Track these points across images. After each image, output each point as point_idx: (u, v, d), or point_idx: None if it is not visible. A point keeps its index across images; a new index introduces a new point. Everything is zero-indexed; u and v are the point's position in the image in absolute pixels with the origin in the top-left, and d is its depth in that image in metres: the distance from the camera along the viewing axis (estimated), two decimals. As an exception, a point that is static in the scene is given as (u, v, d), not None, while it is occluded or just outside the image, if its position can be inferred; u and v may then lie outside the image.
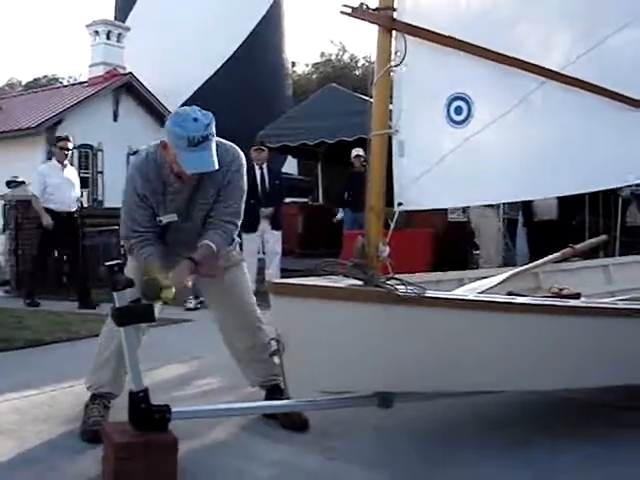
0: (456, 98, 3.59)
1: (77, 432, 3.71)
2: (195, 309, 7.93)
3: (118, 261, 3.11)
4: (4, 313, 7.89)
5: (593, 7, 3.82)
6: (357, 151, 10.98)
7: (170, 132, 3.41)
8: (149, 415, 3.10)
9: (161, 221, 3.70)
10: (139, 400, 3.10)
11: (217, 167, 3.44)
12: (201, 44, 24.59)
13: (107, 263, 3.07)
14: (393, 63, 3.39)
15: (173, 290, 3.37)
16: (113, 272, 3.05)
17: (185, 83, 23.60)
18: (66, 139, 9.37)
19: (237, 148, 3.77)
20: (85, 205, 15.71)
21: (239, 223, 3.76)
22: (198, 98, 21.07)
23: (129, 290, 3.11)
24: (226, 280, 3.99)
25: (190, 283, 3.52)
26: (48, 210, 8.93)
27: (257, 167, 9.32)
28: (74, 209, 9.25)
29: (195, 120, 3.37)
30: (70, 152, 9.55)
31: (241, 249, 4.22)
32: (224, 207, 3.69)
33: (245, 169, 3.76)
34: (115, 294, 3.07)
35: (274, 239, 9.29)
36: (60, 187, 9.08)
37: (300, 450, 3.59)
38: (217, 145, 3.55)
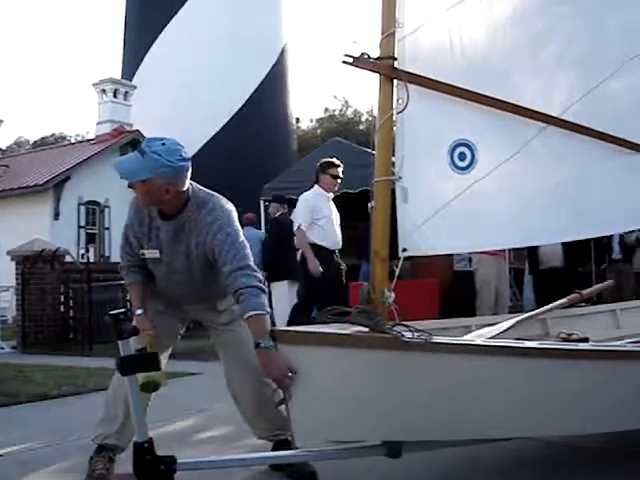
0: (460, 144, 3.61)
1: (82, 486, 3.66)
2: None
3: (123, 310, 3.10)
4: (10, 368, 7.88)
5: (590, 53, 3.88)
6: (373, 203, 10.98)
7: None
8: (154, 466, 3.06)
9: (143, 254, 3.73)
10: (144, 451, 3.06)
11: (120, 171, 3.49)
12: (207, 101, 24.96)
13: (112, 312, 3.07)
14: (395, 111, 3.42)
15: (155, 374, 3.32)
16: (118, 320, 3.05)
17: (191, 139, 23.72)
18: (338, 165, 7.70)
19: (224, 206, 3.65)
20: (92, 260, 15.82)
21: (250, 262, 3.50)
22: (205, 154, 21.36)
23: (134, 339, 3.10)
24: (230, 336, 3.95)
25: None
26: (319, 247, 7.43)
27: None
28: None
29: (163, 144, 3.46)
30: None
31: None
32: (223, 264, 3.50)
33: (232, 225, 3.59)
34: (120, 343, 3.06)
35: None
36: (331, 221, 7.60)
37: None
38: (201, 204, 3.57)
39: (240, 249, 3.50)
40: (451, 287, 10.17)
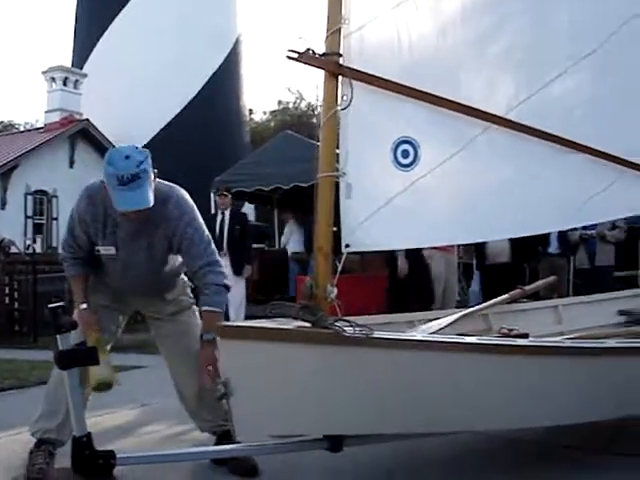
0: (403, 142, 3.63)
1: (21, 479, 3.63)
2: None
3: (62, 303, 3.07)
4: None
5: (536, 52, 3.94)
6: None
7: (104, 171, 3.40)
8: (93, 461, 3.04)
9: (98, 251, 3.70)
10: (82, 445, 3.04)
11: (150, 204, 3.39)
12: (158, 91, 24.73)
13: (51, 305, 3.03)
14: (339, 107, 3.43)
15: (107, 374, 3.41)
16: (57, 314, 3.01)
17: (142, 129, 23.55)
18: None
19: (187, 199, 3.72)
20: (39, 251, 15.58)
21: (217, 257, 3.71)
22: (155, 144, 21.05)
23: (73, 332, 3.07)
24: (176, 326, 3.97)
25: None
26: None
27: (219, 212, 9.41)
28: None
29: (127, 157, 3.34)
30: None
31: (194, 292, 4.18)
32: (191, 257, 3.67)
33: (198, 219, 3.71)
34: (58, 336, 3.02)
35: (237, 285, 9.22)
36: None
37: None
38: (166, 198, 3.57)
39: (208, 243, 3.68)
40: (399, 282, 10.20)
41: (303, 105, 41.55)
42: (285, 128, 22.11)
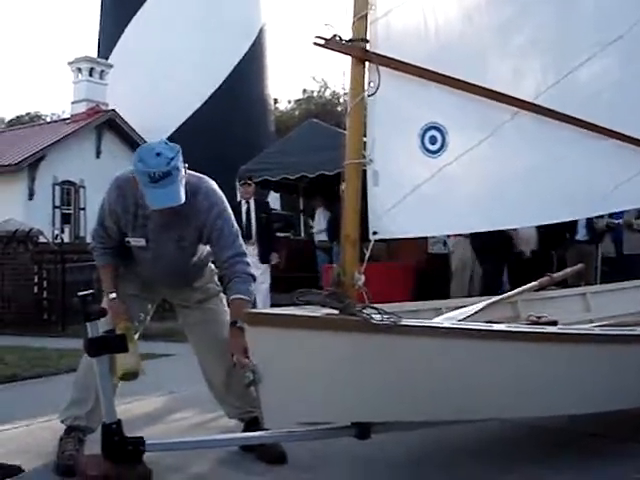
0: (430, 128, 3.61)
1: (52, 466, 3.66)
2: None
3: (91, 291, 3.09)
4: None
5: (563, 37, 3.90)
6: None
7: (134, 167, 3.40)
8: (122, 447, 3.06)
9: (129, 242, 3.72)
10: (112, 432, 3.07)
11: (182, 201, 3.40)
12: (183, 81, 24.78)
13: (80, 293, 3.06)
14: (366, 93, 3.42)
15: (133, 363, 3.42)
16: (86, 302, 3.04)
17: (168, 119, 23.69)
18: None
19: (217, 190, 3.75)
20: (67, 241, 15.72)
21: (243, 250, 3.74)
22: (181, 134, 21.19)
23: (102, 320, 3.09)
24: (203, 314, 4.00)
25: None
26: None
27: (244, 201, 9.44)
28: None
29: (158, 155, 3.34)
30: None
31: (221, 281, 4.20)
32: (220, 248, 3.70)
33: (227, 210, 3.74)
34: (88, 324, 3.05)
35: (262, 273, 9.24)
36: None
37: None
38: (196, 189, 3.58)
39: (237, 235, 3.74)
40: (426, 269, 10.20)
41: (328, 94, 41.44)
42: (310, 117, 22.05)
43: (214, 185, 3.76)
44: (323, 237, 13.15)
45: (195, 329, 4.02)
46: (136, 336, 3.82)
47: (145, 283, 3.95)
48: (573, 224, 9.73)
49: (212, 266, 4.07)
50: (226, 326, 3.91)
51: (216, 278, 4.12)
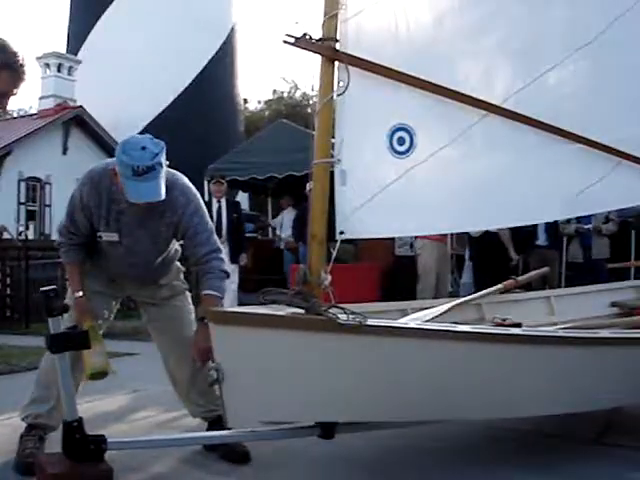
0: (399, 129, 3.62)
1: (12, 464, 3.60)
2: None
3: (54, 287, 3.05)
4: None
5: (533, 42, 3.93)
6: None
7: (117, 159, 3.37)
8: (84, 445, 3.03)
9: (100, 237, 3.67)
10: (73, 430, 3.03)
11: (162, 197, 3.39)
12: (152, 79, 24.64)
13: (43, 289, 3.02)
14: (335, 93, 3.42)
15: (102, 362, 3.39)
16: (49, 297, 3.00)
17: (136, 117, 23.48)
18: None
19: (191, 186, 3.75)
20: (32, 238, 15.54)
21: (219, 246, 3.77)
22: (149, 132, 20.81)
23: (66, 316, 3.06)
24: (169, 310, 3.97)
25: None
26: None
27: (215, 200, 9.40)
28: None
29: (143, 149, 3.32)
30: None
31: (187, 279, 4.18)
32: (196, 244, 3.69)
33: (203, 206, 3.75)
34: (50, 320, 3.01)
35: (232, 273, 9.15)
36: None
37: (240, 483, 3.53)
38: (171, 185, 3.55)
39: (212, 231, 3.76)
40: (392, 271, 10.23)
41: (298, 95, 41.38)
42: (280, 118, 22.03)
43: (188, 181, 3.75)
44: (289, 237, 13.13)
45: (160, 326, 3.99)
46: (101, 332, 3.78)
47: (111, 279, 3.91)
48: (533, 229, 9.83)
49: (178, 263, 4.05)
50: (191, 324, 3.91)
51: (182, 276, 4.10)
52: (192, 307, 4.06)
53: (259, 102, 42.91)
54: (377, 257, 9.81)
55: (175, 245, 3.89)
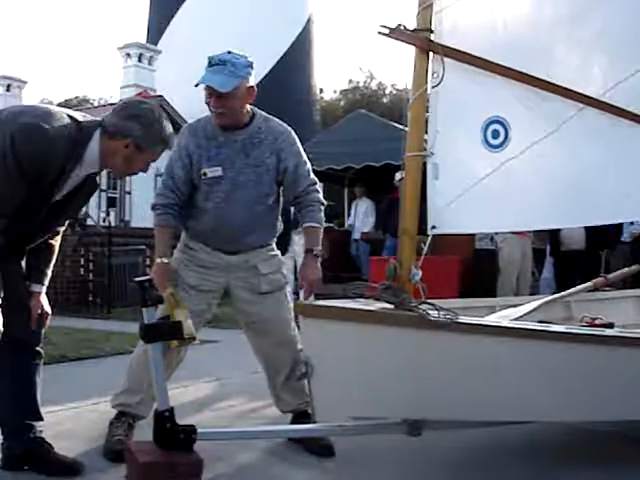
0: (493, 122, 3.53)
1: (100, 450, 3.65)
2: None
3: (149, 277, 3.08)
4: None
5: (634, 33, 3.77)
6: (402, 174, 10.85)
7: None
8: (174, 435, 3.05)
9: (205, 174, 3.70)
10: (164, 419, 3.05)
11: (223, 88, 3.53)
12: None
13: (137, 279, 3.05)
14: (430, 85, 3.35)
15: (192, 327, 3.30)
16: (144, 288, 3.03)
17: (214, 107, 23.72)
18: None
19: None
20: (113, 224, 15.86)
21: (315, 179, 3.89)
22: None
23: (159, 307, 3.08)
24: (268, 308, 3.85)
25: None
26: None
27: None
28: None
29: (229, 52, 3.59)
30: None
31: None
32: (299, 177, 3.81)
33: (299, 142, 3.91)
34: (144, 310, 3.04)
35: None
36: None
37: (324, 477, 3.54)
38: (269, 118, 3.87)
39: (309, 166, 3.90)
40: (472, 265, 10.07)
41: (374, 84, 41.26)
42: (355, 107, 22.00)
43: None
44: (364, 228, 12.98)
45: (258, 328, 3.89)
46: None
47: (206, 267, 3.78)
48: (620, 225, 9.53)
49: (279, 254, 4.00)
50: (290, 323, 3.87)
51: (284, 269, 4.03)
52: (291, 305, 3.92)
53: (335, 92, 42.99)
54: (456, 250, 9.64)
55: (274, 197, 3.87)
